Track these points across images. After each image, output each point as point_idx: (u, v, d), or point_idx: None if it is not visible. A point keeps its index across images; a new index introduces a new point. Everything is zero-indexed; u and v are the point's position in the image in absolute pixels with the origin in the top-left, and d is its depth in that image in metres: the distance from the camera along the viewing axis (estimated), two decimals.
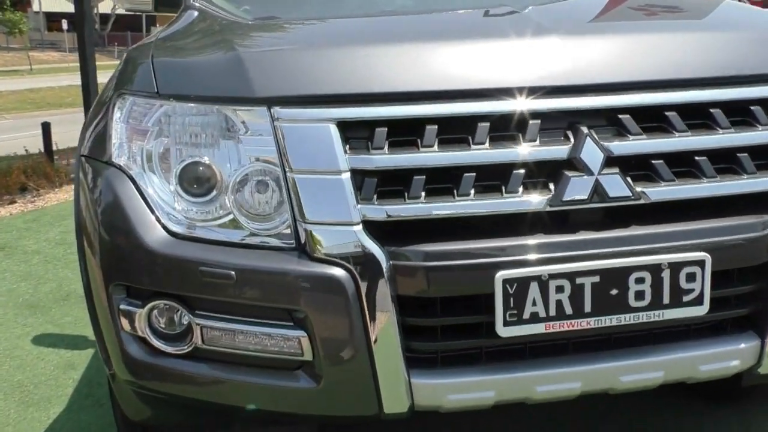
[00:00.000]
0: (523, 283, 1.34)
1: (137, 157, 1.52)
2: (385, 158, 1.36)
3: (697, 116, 1.44)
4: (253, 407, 1.44)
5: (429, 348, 1.40)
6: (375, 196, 1.36)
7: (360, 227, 1.34)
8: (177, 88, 1.50)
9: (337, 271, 1.33)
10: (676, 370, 1.45)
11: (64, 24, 39.24)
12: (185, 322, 1.44)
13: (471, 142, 1.38)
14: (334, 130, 1.37)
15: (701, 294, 1.39)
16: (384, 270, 1.32)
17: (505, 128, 1.40)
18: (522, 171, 1.38)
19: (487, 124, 1.38)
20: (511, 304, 1.34)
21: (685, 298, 1.39)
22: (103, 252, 1.48)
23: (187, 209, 1.46)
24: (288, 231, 1.39)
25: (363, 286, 1.32)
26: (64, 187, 6.45)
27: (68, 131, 8.63)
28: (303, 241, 1.36)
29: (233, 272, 1.35)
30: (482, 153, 1.37)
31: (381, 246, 1.34)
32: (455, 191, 1.36)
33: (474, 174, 1.37)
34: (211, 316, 1.40)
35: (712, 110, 1.42)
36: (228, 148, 1.45)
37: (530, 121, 1.39)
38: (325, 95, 1.39)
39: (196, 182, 1.47)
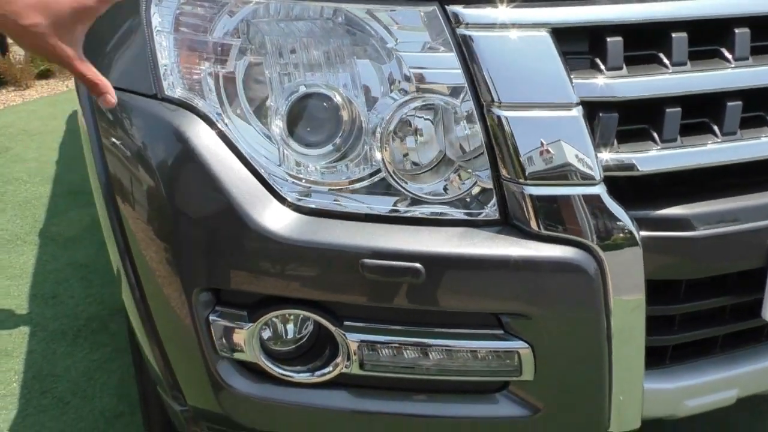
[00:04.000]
0: None
1: (206, 87, 0.98)
2: (631, 84, 0.92)
3: None
4: None
5: (666, 342, 1.03)
6: (616, 141, 0.93)
7: (603, 186, 0.91)
8: None
9: (576, 253, 0.90)
10: None
11: None
12: (327, 338, 0.96)
13: (731, 56, 0.97)
14: (550, 41, 0.90)
15: None
16: (638, 245, 0.92)
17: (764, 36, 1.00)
18: None
19: (747, 30, 0.98)
20: None
21: None
22: (178, 241, 0.95)
23: (308, 167, 0.96)
24: (484, 195, 0.94)
25: (610, 270, 0.91)
26: None
27: None
28: (517, 210, 0.92)
29: (420, 266, 0.88)
30: (750, 72, 0.97)
31: (626, 211, 0.93)
32: (718, 128, 0.97)
33: (740, 103, 0.97)
34: (373, 329, 0.93)
35: None
36: (371, 71, 0.94)
37: None
38: None
39: (319, 126, 0.96)
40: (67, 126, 4.75)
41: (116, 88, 1.02)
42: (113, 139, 1.01)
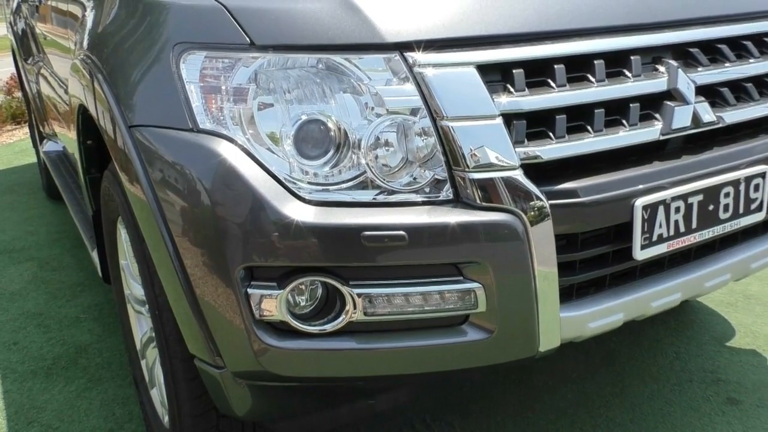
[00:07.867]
0: (655, 207, 1.44)
1: (232, 120, 1.32)
2: (533, 100, 1.35)
3: (742, 47, 1.65)
4: (411, 373, 1.36)
5: (572, 282, 1.44)
6: (526, 139, 1.35)
7: (520, 171, 1.32)
8: (278, 36, 1.32)
9: (509, 217, 1.30)
10: (738, 270, 1.68)
11: None
12: (336, 297, 1.30)
13: (594, 79, 1.42)
14: (476, 73, 1.32)
15: (761, 202, 1.62)
16: (547, 210, 1.33)
17: (614, 66, 1.47)
18: (638, 104, 1.46)
19: (602, 62, 1.44)
20: (645, 229, 1.44)
21: (752, 207, 1.61)
22: (221, 233, 1.27)
23: (313, 173, 1.31)
24: (441, 183, 1.32)
25: (531, 229, 1.32)
26: None
27: None
28: (465, 191, 1.31)
29: (404, 233, 1.25)
30: (607, 89, 1.43)
31: (537, 187, 1.34)
32: (590, 128, 1.41)
33: (603, 110, 1.42)
34: (372, 284, 1.28)
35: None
36: (353, 101, 1.32)
37: (632, 57, 1.48)
38: (462, 38, 1.33)
39: (318, 143, 1.32)
40: None
41: (160, 127, 1.35)
42: (159, 161, 1.33)
